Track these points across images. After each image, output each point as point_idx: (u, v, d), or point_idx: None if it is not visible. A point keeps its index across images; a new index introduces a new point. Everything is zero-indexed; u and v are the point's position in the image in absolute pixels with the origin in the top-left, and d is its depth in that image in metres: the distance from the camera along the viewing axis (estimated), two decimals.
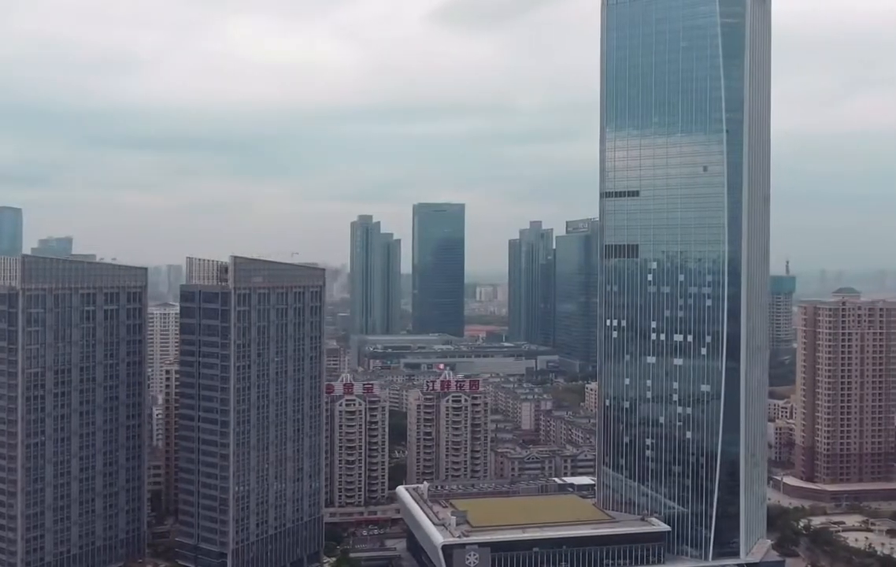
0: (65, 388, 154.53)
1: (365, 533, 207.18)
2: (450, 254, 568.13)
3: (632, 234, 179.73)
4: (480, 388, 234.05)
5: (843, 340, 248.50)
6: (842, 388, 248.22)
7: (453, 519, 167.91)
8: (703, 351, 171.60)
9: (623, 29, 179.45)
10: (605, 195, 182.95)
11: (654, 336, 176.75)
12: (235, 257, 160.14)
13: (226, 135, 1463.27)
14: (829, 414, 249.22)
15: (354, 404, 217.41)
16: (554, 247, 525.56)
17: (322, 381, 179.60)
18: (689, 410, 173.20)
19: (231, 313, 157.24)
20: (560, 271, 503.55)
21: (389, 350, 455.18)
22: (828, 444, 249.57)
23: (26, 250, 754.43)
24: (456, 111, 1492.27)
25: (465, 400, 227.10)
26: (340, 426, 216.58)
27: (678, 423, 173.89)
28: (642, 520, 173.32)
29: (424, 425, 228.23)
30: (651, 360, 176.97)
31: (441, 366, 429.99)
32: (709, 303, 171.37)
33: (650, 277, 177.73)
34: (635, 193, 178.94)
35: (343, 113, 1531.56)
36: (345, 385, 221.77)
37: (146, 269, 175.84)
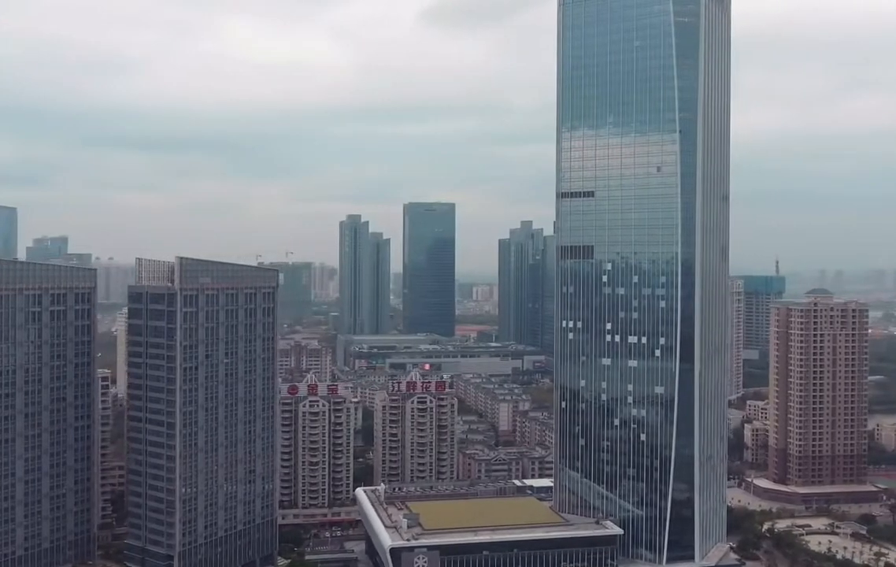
0: (9, 390, 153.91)
1: (328, 535, 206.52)
2: (440, 253, 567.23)
3: (587, 235, 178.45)
4: (447, 389, 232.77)
5: (814, 342, 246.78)
6: (814, 390, 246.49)
7: (405, 521, 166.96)
8: (657, 353, 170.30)
9: (579, 28, 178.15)
10: (561, 195, 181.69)
11: (609, 337, 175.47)
12: (181, 258, 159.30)
13: (220, 135, 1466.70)
14: (800, 416, 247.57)
15: (318, 405, 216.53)
16: (543, 247, 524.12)
17: (275, 383, 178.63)
18: (643, 413, 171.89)
19: (177, 314, 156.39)
20: (549, 271, 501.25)
21: (375, 350, 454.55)
22: (799, 446, 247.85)
23: (21, 250, 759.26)
24: (451, 111, 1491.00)
25: (431, 401, 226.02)
26: (304, 427, 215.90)
27: (633, 426, 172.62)
28: (597, 523, 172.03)
29: (390, 426, 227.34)
30: (606, 361, 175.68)
31: (427, 366, 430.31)
32: (662, 304, 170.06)
33: (605, 278, 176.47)
34: (590, 194, 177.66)
35: (337, 113, 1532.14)
36: (309, 386, 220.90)
37: (95, 270, 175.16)
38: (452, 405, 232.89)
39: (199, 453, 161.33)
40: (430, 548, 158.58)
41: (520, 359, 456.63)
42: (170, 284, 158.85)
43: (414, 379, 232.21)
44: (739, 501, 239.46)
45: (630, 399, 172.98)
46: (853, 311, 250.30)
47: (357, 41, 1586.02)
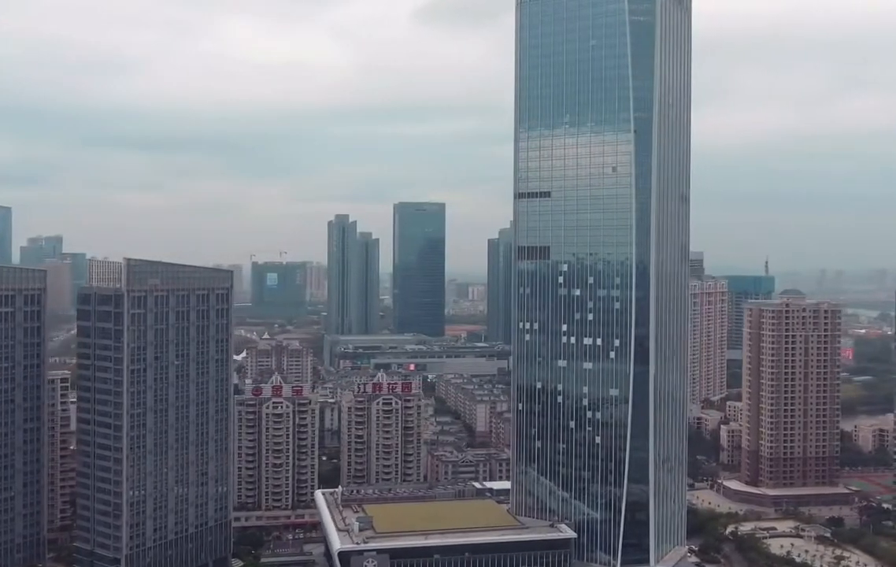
0: None
1: (290, 537, 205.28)
2: (431, 253, 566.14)
3: (543, 236, 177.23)
4: (413, 391, 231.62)
5: (786, 343, 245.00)
6: (785, 392, 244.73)
7: (357, 524, 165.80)
8: (612, 354, 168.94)
9: (536, 27, 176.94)
10: (517, 196, 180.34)
11: (564, 339, 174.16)
12: (129, 259, 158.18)
13: (220, 135, 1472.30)
14: (772, 417, 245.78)
15: (281, 407, 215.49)
16: None
17: (229, 385, 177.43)
18: (598, 415, 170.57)
19: (124, 316, 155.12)
20: None
21: (360, 350, 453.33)
22: (771, 447, 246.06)
23: (15, 249, 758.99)
24: (451, 111, 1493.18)
25: (397, 402, 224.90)
26: (267, 429, 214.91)
27: (588, 428, 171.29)
28: (552, 526, 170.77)
29: (356, 428, 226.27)
30: (562, 363, 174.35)
31: (412, 366, 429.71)
32: (617, 306, 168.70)
33: (561, 279, 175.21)
34: (547, 194, 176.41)
35: (336, 113, 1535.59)
36: (273, 387, 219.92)
37: (45, 272, 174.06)
38: (419, 406, 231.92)
39: (147, 456, 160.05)
40: (380, 551, 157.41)
41: (506, 359, 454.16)
42: (118, 286, 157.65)
43: (380, 380, 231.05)
44: (709, 503, 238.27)
45: (585, 401, 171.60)
46: (825, 311, 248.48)
47: (357, 41, 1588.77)
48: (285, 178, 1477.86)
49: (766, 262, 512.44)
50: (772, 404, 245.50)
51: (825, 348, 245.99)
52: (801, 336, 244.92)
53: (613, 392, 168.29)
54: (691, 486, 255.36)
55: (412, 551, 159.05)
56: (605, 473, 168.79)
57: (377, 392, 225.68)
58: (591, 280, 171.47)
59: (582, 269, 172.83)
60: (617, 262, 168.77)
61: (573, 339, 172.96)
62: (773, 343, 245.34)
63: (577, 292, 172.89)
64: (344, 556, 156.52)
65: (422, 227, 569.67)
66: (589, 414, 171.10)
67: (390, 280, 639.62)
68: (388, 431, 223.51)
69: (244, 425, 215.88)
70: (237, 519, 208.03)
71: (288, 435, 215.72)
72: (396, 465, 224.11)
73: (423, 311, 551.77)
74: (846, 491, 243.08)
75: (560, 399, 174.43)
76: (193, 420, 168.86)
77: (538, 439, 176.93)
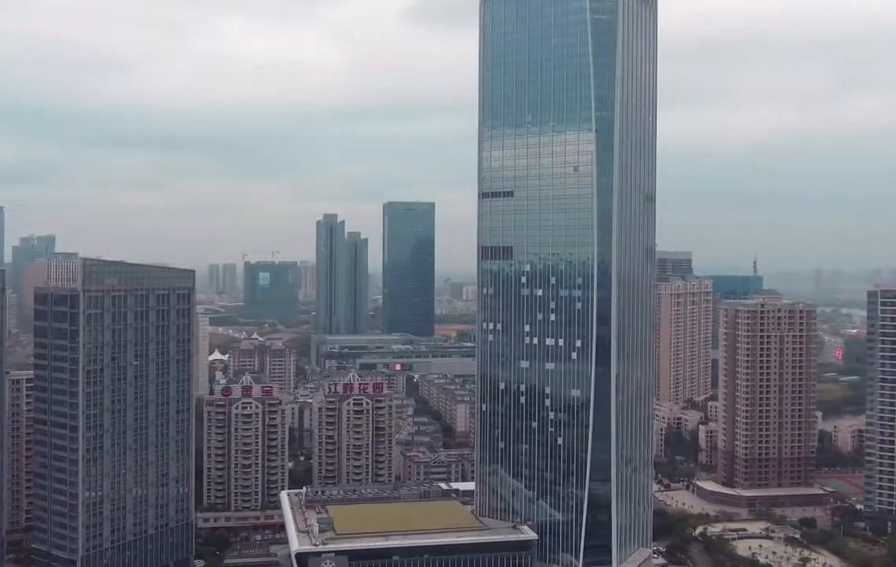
0: None
1: (259, 538, 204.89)
2: (420, 253, 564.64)
3: (506, 236, 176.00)
4: (384, 391, 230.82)
5: (761, 343, 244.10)
6: (760, 392, 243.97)
7: (317, 526, 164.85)
8: (574, 355, 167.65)
9: (498, 25, 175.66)
10: (482, 196, 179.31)
11: (527, 340, 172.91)
12: (85, 259, 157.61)
13: (216, 134, 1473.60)
14: (747, 418, 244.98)
15: (251, 407, 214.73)
16: None
17: (191, 385, 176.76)
18: (560, 416, 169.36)
19: (80, 316, 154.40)
20: None
21: (346, 350, 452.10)
22: (746, 448, 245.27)
23: (8, 249, 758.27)
24: (446, 110, 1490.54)
25: (367, 402, 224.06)
26: (236, 429, 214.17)
27: (550, 429, 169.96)
28: (514, 527, 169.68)
29: (326, 429, 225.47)
30: (525, 364, 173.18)
31: (397, 366, 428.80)
32: (579, 306, 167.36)
33: (524, 280, 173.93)
34: (510, 194, 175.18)
35: (332, 112, 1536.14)
36: (243, 387, 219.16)
37: (3, 271, 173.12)
38: (390, 407, 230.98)
39: (104, 456, 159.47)
40: (339, 553, 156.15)
41: None
42: (74, 286, 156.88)
43: (351, 381, 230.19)
44: (683, 504, 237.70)
45: (548, 402, 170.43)
46: (801, 312, 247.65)
47: (353, 39, 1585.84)
48: (282, 177, 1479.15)
49: (755, 262, 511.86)
50: (747, 405, 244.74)
51: (800, 349, 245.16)
52: (776, 336, 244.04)
53: (575, 393, 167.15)
54: (667, 487, 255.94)
55: (371, 553, 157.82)
56: (567, 474, 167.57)
57: (348, 392, 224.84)
58: (553, 280, 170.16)
59: (544, 269, 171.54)
60: (578, 262, 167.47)
61: (535, 340, 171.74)
62: (748, 343, 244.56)
63: (540, 292, 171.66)
64: (301, 557, 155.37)
65: (411, 227, 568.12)
66: (551, 415, 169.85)
67: (378, 280, 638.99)
68: (358, 432, 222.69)
69: (213, 426, 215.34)
70: (206, 520, 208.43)
71: (257, 435, 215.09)
72: (367, 465, 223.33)
73: (412, 310, 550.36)
74: (821, 492, 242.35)
75: (523, 400, 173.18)
76: (153, 420, 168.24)
77: (501, 440, 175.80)
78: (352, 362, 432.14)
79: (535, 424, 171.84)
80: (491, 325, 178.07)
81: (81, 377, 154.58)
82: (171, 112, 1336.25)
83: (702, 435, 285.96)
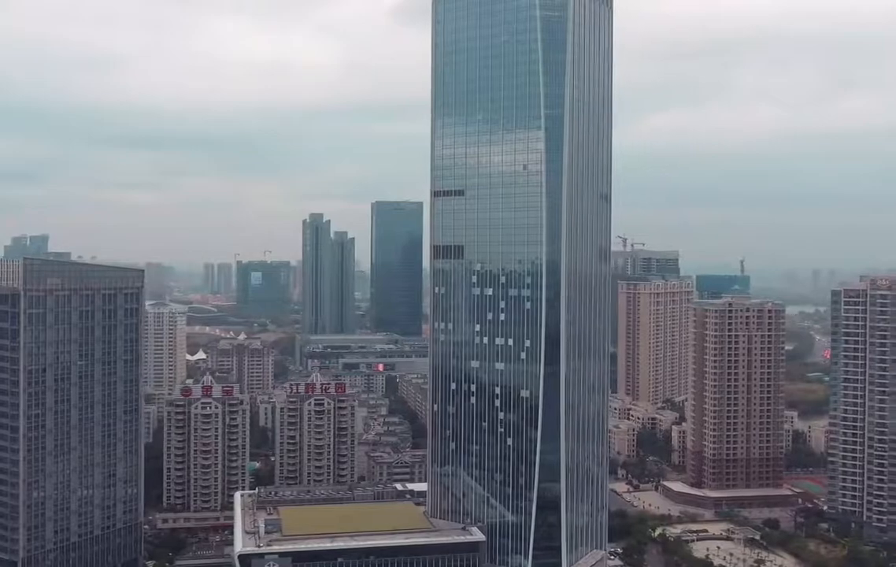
0: None
1: (217, 539, 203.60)
2: (408, 252, 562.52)
3: (458, 235, 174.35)
4: (347, 391, 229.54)
5: (730, 343, 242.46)
6: (728, 392, 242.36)
7: (263, 527, 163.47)
8: (523, 355, 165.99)
9: (450, 23, 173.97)
10: (434, 194, 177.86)
11: (477, 339, 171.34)
12: (26, 259, 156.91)
13: (210, 134, 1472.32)
14: (715, 418, 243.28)
15: (210, 407, 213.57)
16: None
17: (139, 385, 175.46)
18: (510, 416, 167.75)
19: (20, 315, 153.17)
20: None
21: (329, 350, 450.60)
22: (714, 449, 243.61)
23: None
24: None
25: (329, 403, 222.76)
26: (195, 430, 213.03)
27: (500, 430, 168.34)
28: (463, 529, 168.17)
29: (288, 429, 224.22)
30: (475, 364, 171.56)
31: (380, 366, 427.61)
32: (528, 306, 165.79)
33: (474, 279, 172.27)
34: (461, 193, 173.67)
35: (328, 112, 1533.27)
36: (203, 388, 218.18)
37: None
38: (353, 407, 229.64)
39: (47, 457, 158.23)
40: (282, 555, 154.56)
41: None
42: (15, 286, 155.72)
43: (313, 381, 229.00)
44: (650, 505, 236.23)
45: (498, 402, 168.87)
46: (769, 311, 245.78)
47: (345, 39, 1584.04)
48: (276, 176, 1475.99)
49: (742, 262, 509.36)
50: (715, 405, 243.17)
51: (769, 349, 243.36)
52: (744, 336, 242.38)
53: (524, 393, 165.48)
54: (636, 488, 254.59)
55: (315, 554, 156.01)
56: (516, 475, 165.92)
57: (309, 393, 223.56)
58: (503, 280, 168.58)
59: (494, 268, 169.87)
60: (528, 262, 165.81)
61: (486, 340, 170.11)
62: (716, 343, 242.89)
63: (490, 292, 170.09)
64: (244, 559, 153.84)
65: (400, 226, 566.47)
66: (501, 415, 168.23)
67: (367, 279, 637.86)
68: (319, 432, 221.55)
69: (173, 426, 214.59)
70: (164, 520, 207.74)
71: (217, 436, 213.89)
72: (328, 466, 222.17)
73: (400, 309, 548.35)
74: (789, 492, 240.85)
75: (473, 400, 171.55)
76: (99, 421, 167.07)
77: (453, 441, 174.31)
78: (334, 362, 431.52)
79: (485, 425, 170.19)
80: (443, 325, 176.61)
81: (22, 377, 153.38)
82: (164, 111, 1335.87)
83: (675, 435, 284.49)
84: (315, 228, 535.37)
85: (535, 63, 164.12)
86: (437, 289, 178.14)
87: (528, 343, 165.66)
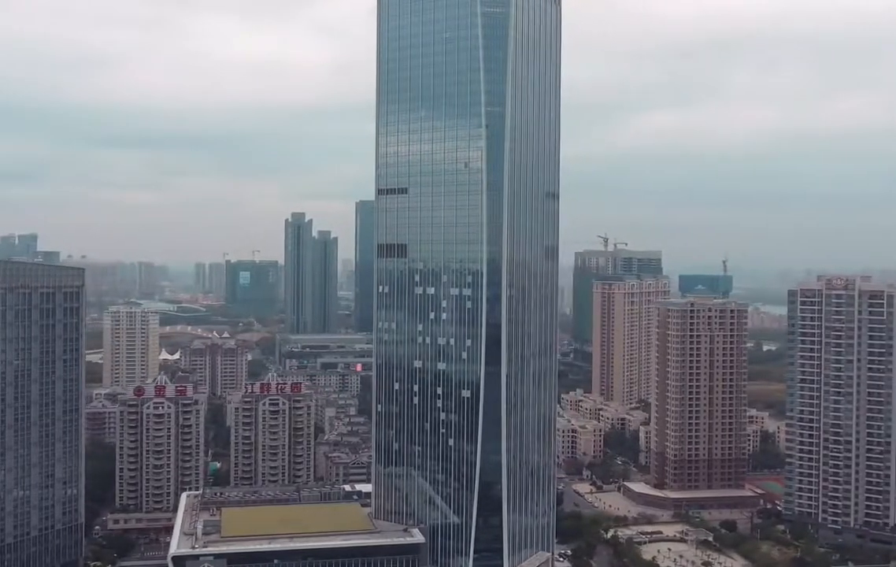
0: None
1: (168, 539, 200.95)
2: None
3: (401, 233, 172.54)
4: (303, 391, 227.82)
5: (691, 343, 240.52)
6: (690, 393, 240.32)
7: (200, 528, 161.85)
8: (464, 355, 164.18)
9: (395, 19, 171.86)
10: (378, 192, 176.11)
11: (420, 339, 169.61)
12: None
13: (203, 133, 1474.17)
14: (677, 419, 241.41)
15: (163, 407, 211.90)
16: None
17: (80, 385, 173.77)
18: (452, 417, 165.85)
19: None
20: None
21: (307, 350, 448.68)
22: (676, 449, 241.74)
23: None
24: None
25: (284, 403, 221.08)
26: (147, 430, 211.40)
27: (442, 431, 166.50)
28: (405, 531, 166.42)
29: (243, 429, 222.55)
30: (417, 363, 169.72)
31: (359, 367, 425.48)
32: (469, 305, 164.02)
33: (417, 278, 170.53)
34: (404, 191, 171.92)
35: (324, 111, 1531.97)
36: (156, 387, 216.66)
37: None
38: (308, 407, 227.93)
39: None
40: (217, 556, 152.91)
41: None
42: None
43: (269, 381, 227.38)
44: (610, 506, 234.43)
45: (439, 403, 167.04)
46: (732, 311, 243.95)
47: (338, 37, 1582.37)
48: (274, 176, 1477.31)
49: (725, 262, 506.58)
50: (677, 406, 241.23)
51: (731, 349, 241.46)
52: (706, 336, 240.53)
53: (465, 393, 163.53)
54: (599, 488, 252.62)
55: (250, 556, 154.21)
56: (457, 476, 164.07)
57: (264, 393, 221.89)
58: (444, 278, 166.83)
59: (437, 267, 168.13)
60: (469, 260, 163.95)
61: (428, 340, 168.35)
62: (678, 343, 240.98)
63: (432, 291, 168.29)
64: (178, 560, 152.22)
65: None
66: (443, 416, 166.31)
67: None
68: (274, 432, 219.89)
69: (126, 426, 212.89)
70: (116, 521, 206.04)
71: (170, 436, 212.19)
72: (283, 466, 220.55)
73: None
74: (751, 494, 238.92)
75: (416, 400, 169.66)
76: (36, 421, 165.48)
77: (396, 441, 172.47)
78: (312, 362, 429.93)
79: (427, 425, 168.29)
80: (386, 325, 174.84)
81: None
82: (160, 110, 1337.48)
83: (642, 436, 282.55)
84: (297, 228, 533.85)
85: (476, 59, 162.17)
86: (380, 288, 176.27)
87: (469, 343, 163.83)
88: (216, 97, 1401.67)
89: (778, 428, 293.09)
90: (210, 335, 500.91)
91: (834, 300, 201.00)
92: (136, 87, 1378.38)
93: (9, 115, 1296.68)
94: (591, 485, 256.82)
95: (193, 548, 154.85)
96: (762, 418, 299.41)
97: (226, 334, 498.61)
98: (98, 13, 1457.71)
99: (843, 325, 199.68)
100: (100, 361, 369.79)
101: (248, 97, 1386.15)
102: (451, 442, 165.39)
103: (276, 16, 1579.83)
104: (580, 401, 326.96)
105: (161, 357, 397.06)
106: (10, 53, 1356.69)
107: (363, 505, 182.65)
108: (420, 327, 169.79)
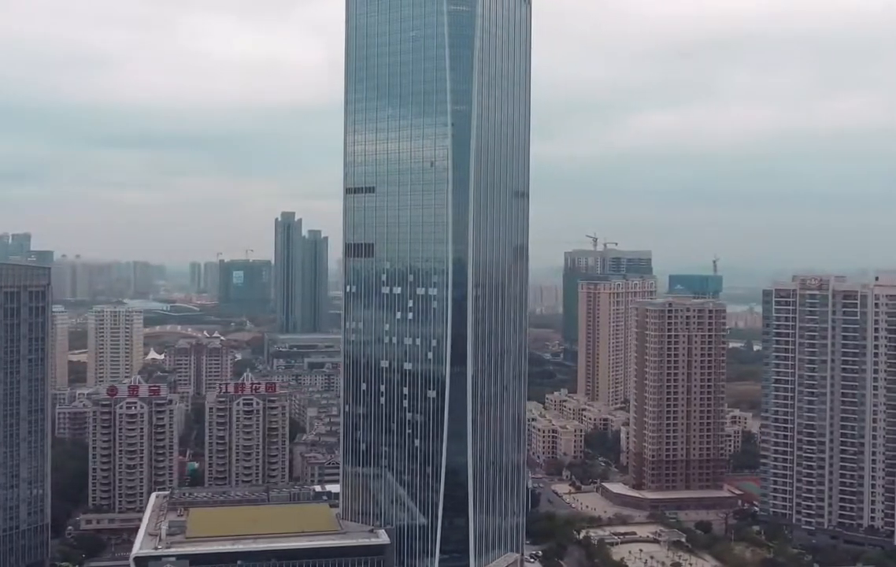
0: None
1: None
2: None
3: (368, 233, 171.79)
4: (277, 391, 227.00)
5: (669, 343, 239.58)
6: (668, 393, 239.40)
7: (165, 529, 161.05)
8: (430, 355, 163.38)
9: (362, 17, 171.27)
10: (346, 191, 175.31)
11: (387, 339, 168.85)
12: None
13: (200, 133, 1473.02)
14: (655, 419, 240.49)
15: (136, 407, 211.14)
16: None
17: (45, 385, 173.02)
18: (418, 417, 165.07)
19: None
20: None
21: (295, 349, 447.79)
22: (654, 450, 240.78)
23: None
24: None
25: (258, 403, 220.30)
26: (120, 430, 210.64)
27: (408, 431, 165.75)
28: (371, 532, 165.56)
29: (217, 429, 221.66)
30: (384, 364, 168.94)
31: None
32: (435, 305, 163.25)
33: (384, 278, 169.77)
34: (371, 190, 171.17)
35: (322, 109, 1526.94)
36: (130, 387, 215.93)
37: None
38: (283, 407, 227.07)
39: None
40: (180, 557, 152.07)
41: None
42: None
43: (244, 381, 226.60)
44: (587, 507, 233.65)
45: (406, 403, 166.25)
46: (710, 311, 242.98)
47: (334, 37, 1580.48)
48: (272, 175, 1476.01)
49: (715, 261, 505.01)
50: (655, 406, 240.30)
51: (710, 349, 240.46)
52: (684, 336, 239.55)
53: (431, 394, 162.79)
54: (578, 489, 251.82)
55: (213, 557, 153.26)
56: (424, 477, 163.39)
57: (239, 392, 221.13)
58: (410, 278, 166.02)
59: (403, 267, 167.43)
60: (435, 260, 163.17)
61: (395, 340, 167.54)
62: (656, 343, 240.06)
63: (399, 291, 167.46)
64: (140, 561, 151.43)
65: None
66: (409, 416, 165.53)
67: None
68: (248, 432, 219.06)
69: (99, 426, 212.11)
70: (88, 521, 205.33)
71: (143, 436, 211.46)
72: (258, 466, 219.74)
73: None
74: (729, 494, 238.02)
75: (383, 400, 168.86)
76: (0, 421, 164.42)
77: (363, 442, 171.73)
78: (300, 362, 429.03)
79: (394, 426, 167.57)
80: (354, 325, 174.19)
81: None
82: (158, 110, 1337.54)
83: (623, 436, 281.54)
84: (287, 227, 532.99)
85: (442, 58, 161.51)
86: (348, 287, 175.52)
87: (434, 343, 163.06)
88: (215, 97, 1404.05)
89: (760, 427, 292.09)
90: (196, 335, 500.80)
91: (808, 300, 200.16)
92: (136, 87, 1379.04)
93: (9, 115, 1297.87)
94: (570, 485, 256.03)
95: (156, 548, 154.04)
96: (745, 418, 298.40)
97: (216, 334, 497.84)
98: (98, 13, 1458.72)
99: (817, 325, 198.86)
100: (86, 361, 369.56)
101: (247, 96, 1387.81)
102: (417, 442, 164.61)
103: (274, 15, 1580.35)
104: (564, 401, 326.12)
105: (150, 357, 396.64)
106: (10, 53, 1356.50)
107: (332, 506, 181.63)
108: (387, 327, 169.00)
